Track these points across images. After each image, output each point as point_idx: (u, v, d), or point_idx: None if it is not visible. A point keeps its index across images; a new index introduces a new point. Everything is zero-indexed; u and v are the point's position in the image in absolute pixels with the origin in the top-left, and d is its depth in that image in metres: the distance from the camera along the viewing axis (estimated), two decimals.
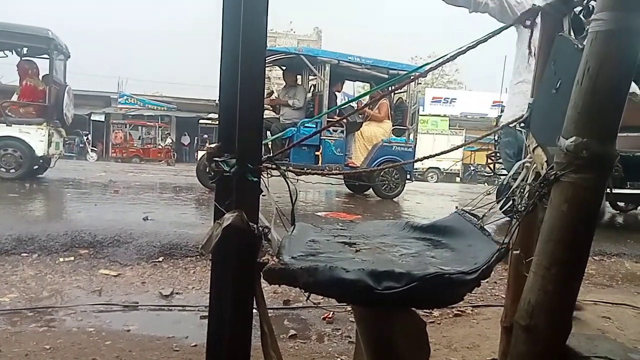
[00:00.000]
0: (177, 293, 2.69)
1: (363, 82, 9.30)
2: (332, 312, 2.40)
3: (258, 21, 1.02)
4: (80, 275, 2.87)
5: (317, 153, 7.28)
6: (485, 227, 1.20)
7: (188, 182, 8.43)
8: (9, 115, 7.10)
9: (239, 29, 1.01)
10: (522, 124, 1.33)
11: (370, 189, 8.13)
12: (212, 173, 1.14)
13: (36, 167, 7.59)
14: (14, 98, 7.45)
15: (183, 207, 5.61)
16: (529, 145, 1.26)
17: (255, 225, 1.04)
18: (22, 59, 7.72)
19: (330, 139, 7.31)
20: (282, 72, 8.07)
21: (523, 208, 1.05)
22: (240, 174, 1.03)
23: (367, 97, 7.14)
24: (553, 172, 0.90)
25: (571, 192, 0.88)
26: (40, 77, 7.59)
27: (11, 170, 6.98)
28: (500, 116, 7.31)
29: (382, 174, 7.60)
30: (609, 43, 0.83)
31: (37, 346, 1.89)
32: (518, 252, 1.21)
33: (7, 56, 7.89)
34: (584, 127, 0.86)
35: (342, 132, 7.46)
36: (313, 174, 1.77)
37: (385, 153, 7.71)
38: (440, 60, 1.28)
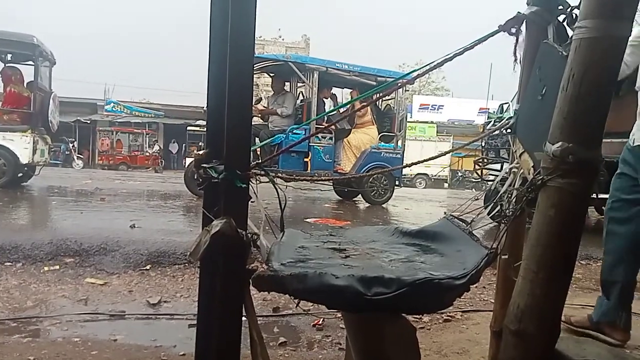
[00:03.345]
0: (164, 301, 2.66)
1: (351, 89, 9.33)
2: (322, 319, 2.39)
3: (246, 29, 1.02)
4: (66, 284, 2.82)
5: (306, 159, 7.28)
6: (473, 232, 1.21)
7: (176, 189, 8.37)
8: None
9: (227, 36, 1.01)
10: (509, 130, 1.35)
11: (359, 195, 8.15)
12: (201, 180, 1.14)
13: (21, 175, 7.47)
14: None
15: (171, 215, 5.55)
16: (515, 151, 1.28)
17: (244, 232, 1.03)
18: (6, 65, 7.62)
19: (319, 146, 7.32)
20: (270, 79, 8.08)
21: (511, 213, 1.05)
22: (228, 180, 1.03)
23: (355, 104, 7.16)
24: (540, 177, 0.91)
25: (558, 196, 0.89)
26: (25, 83, 7.49)
27: None
28: (489, 122, 7.37)
29: (370, 180, 7.63)
30: (593, 50, 0.84)
31: (21, 357, 1.85)
32: (506, 256, 1.22)
33: None
34: (570, 133, 0.87)
35: (330, 138, 7.48)
36: (302, 180, 1.77)
37: (374, 159, 7.73)
38: (428, 66, 1.29)
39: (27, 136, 7.03)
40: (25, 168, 7.39)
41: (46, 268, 3.05)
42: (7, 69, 7.48)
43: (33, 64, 7.38)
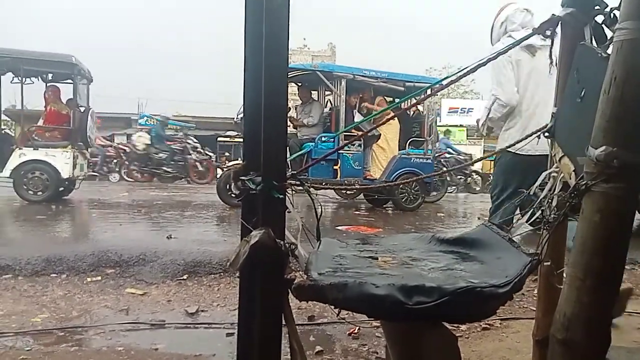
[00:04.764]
0: (202, 311, 2.71)
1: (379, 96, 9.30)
2: (357, 328, 2.38)
3: (280, 40, 1.04)
4: (108, 294, 2.92)
5: (335, 167, 7.28)
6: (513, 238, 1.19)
7: (209, 200, 8.51)
8: (36, 139, 7.32)
9: (262, 49, 1.04)
10: (547, 133, 1.32)
11: (390, 202, 8.08)
12: (238, 191, 1.16)
13: (62, 189, 7.77)
14: (40, 123, 7.68)
15: (205, 225, 5.66)
16: (554, 155, 1.25)
17: (282, 242, 1.05)
18: (47, 84, 7.97)
19: (348, 153, 7.32)
20: (297, 88, 8.14)
21: (553, 219, 1.03)
22: (266, 191, 1.05)
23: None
24: (584, 182, 0.89)
25: (603, 202, 0.87)
26: (65, 101, 7.82)
27: (38, 193, 7.15)
28: None
29: (401, 186, 7.56)
30: (635, 52, 0.82)
31: None
32: (548, 263, 1.19)
33: (33, 83, 8.15)
34: (614, 136, 0.85)
35: (359, 145, 7.46)
36: (335, 188, 1.78)
37: (404, 165, 7.66)
38: (461, 72, 1.28)
39: (67, 152, 7.32)
40: (66, 182, 7.68)
41: (89, 279, 3.16)
42: (48, 87, 7.83)
43: (72, 82, 7.70)
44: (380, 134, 7.73)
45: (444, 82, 1.44)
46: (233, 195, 1.17)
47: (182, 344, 2.24)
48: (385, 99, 8.00)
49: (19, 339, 2.21)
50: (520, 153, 2.87)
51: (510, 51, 3.13)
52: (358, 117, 7.60)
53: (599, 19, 1.16)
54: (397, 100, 7.88)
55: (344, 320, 2.36)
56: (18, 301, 2.73)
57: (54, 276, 3.17)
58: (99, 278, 3.18)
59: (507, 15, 3.22)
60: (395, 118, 7.77)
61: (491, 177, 3.60)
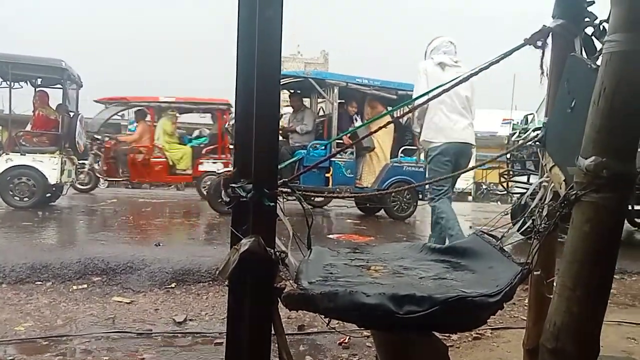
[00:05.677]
0: (190, 320, 2.67)
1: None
2: (348, 337, 2.36)
3: (272, 49, 1.04)
4: (94, 302, 2.87)
5: (327, 175, 7.26)
6: (504, 248, 1.19)
7: (198, 207, 8.46)
8: (23, 144, 7.21)
9: (254, 56, 1.03)
10: (537, 143, 1.33)
11: (382, 210, 8.07)
12: (229, 199, 1.15)
13: (49, 195, 7.65)
14: (28, 128, 7.59)
15: (194, 232, 5.61)
16: (545, 165, 1.26)
17: (272, 250, 1.04)
18: (36, 89, 7.89)
19: (340, 161, 7.30)
20: (288, 96, 8.12)
21: (544, 228, 1.03)
22: (256, 199, 1.04)
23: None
24: (573, 192, 0.89)
25: (593, 212, 0.87)
26: (54, 106, 7.74)
27: (25, 199, 7.02)
28: (513, 134, 7.26)
29: (393, 194, 7.56)
30: (624, 64, 0.83)
31: None
32: (539, 272, 1.19)
33: (22, 87, 8.06)
34: (603, 147, 0.85)
35: (351, 153, 7.46)
36: (327, 197, 1.77)
37: (396, 173, 7.66)
38: (453, 82, 1.29)
39: (55, 157, 7.21)
40: (54, 188, 7.57)
41: (74, 287, 3.11)
42: (36, 92, 7.75)
43: (61, 87, 7.63)
44: (374, 147, 7.69)
45: (436, 91, 1.44)
46: (223, 202, 1.15)
47: (169, 353, 2.20)
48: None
49: (1, 348, 2.16)
50: (451, 141, 3.80)
51: (426, 65, 3.87)
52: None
53: (589, 30, 1.18)
54: (389, 108, 7.90)
55: (334, 330, 2.34)
56: (1, 309, 2.67)
57: (38, 284, 3.11)
58: (85, 286, 3.13)
59: (436, 45, 4.09)
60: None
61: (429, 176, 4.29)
